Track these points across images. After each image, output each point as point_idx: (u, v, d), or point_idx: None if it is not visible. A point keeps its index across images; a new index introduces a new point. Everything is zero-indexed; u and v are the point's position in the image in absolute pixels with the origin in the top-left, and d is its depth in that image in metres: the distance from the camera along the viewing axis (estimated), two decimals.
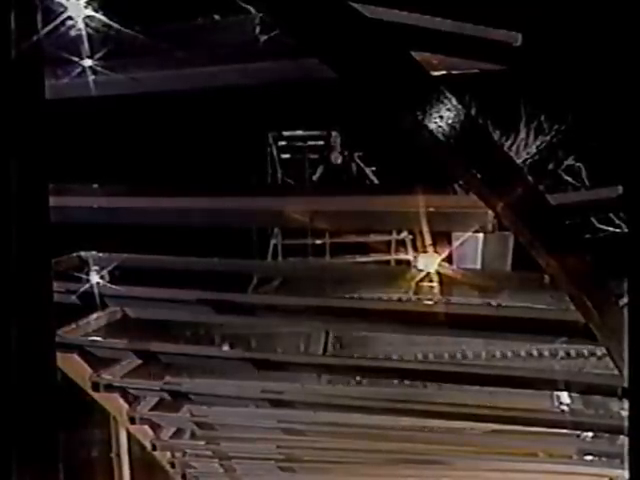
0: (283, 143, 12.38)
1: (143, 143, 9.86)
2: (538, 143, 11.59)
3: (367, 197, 2.94)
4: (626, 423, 1.78)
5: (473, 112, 8.61)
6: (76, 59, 1.86)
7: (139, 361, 4.24)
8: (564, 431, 4.57)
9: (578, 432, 4.77)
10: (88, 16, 1.77)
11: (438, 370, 4.23)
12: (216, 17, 1.90)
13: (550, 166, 11.47)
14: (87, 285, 3.33)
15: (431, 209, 2.50)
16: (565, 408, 5.06)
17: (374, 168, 12.26)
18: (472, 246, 10.46)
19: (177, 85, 2.16)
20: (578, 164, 11.26)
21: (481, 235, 9.47)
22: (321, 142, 12.45)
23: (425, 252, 8.91)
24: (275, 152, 12.26)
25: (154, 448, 5.68)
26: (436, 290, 4.70)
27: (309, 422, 4.90)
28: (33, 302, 1.25)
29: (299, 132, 12.39)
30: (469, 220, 2.59)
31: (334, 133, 12.33)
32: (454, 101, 1.53)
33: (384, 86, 1.49)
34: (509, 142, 11.38)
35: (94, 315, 3.84)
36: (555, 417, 4.43)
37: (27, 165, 1.23)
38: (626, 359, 1.77)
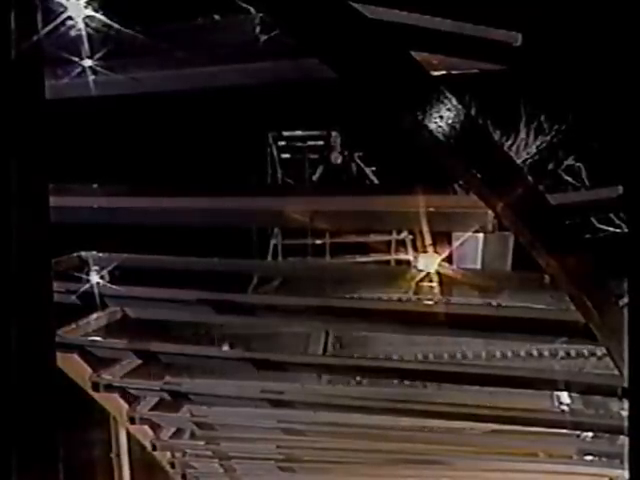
0: (283, 143, 12.39)
1: (143, 143, 9.86)
2: (538, 143, 11.60)
3: (367, 197, 2.94)
4: (626, 423, 1.78)
5: (473, 112, 8.61)
6: (76, 59, 1.86)
7: (139, 361, 4.24)
8: (564, 431, 4.57)
9: (578, 432, 4.77)
10: (88, 16, 1.77)
11: (438, 370, 4.22)
12: (216, 17, 1.90)
13: (550, 166, 11.47)
14: (87, 285, 3.33)
15: (431, 209, 2.50)
16: (565, 408, 5.06)
17: (374, 168, 12.26)
18: (472, 246, 10.47)
19: (177, 85, 2.16)
20: (578, 164, 11.27)
21: (481, 235, 9.47)
22: (321, 142, 12.45)
23: (425, 252, 8.91)
24: (275, 152, 12.26)
25: (154, 448, 5.68)
26: (436, 290, 4.70)
27: (309, 422, 4.90)
28: (33, 302, 1.25)
29: (299, 132, 12.40)
30: (469, 220, 2.59)
31: (334, 133, 12.34)
32: (454, 101, 1.53)
33: (384, 86, 1.49)
34: (509, 142, 11.38)
35: (94, 315, 3.84)
36: (555, 417, 4.43)
37: (27, 165, 1.23)
38: (626, 359, 1.77)
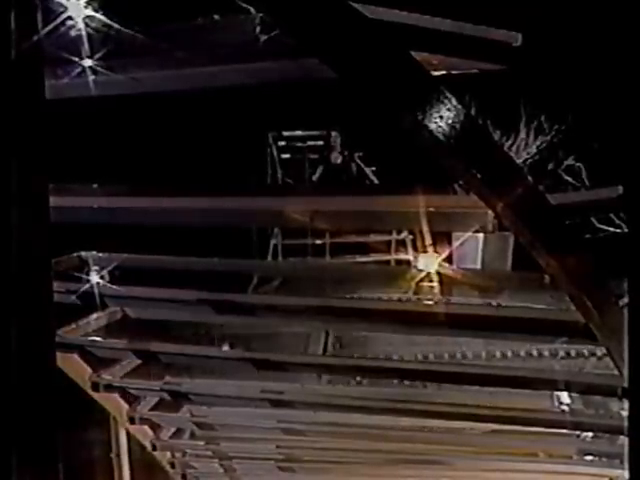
0: (283, 143, 12.39)
1: (143, 143, 9.86)
2: (538, 143, 11.60)
3: (367, 197, 2.94)
4: (626, 423, 1.78)
5: (473, 112, 8.61)
6: (76, 59, 1.86)
7: (139, 361, 4.24)
8: (564, 431, 4.57)
9: (578, 432, 4.77)
10: (88, 16, 1.77)
11: (438, 370, 4.22)
12: (216, 17, 1.90)
13: (550, 166, 11.48)
14: (87, 285, 3.33)
15: (431, 209, 2.50)
16: (565, 408, 5.06)
17: (374, 168, 12.26)
18: (472, 246, 10.47)
19: (177, 85, 2.16)
20: (578, 164, 11.27)
21: (481, 235, 9.47)
22: (321, 142, 12.46)
23: (425, 252, 8.92)
24: (275, 152, 12.26)
25: (154, 448, 5.68)
26: (436, 290, 4.70)
27: (309, 422, 4.90)
28: (33, 302, 1.25)
29: (299, 132, 12.40)
30: (469, 220, 2.59)
31: (334, 133, 12.34)
32: (454, 101, 1.53)
33: (384, 86, 1.49)
34: (509, 142, 11.38)
35: (94, 315, 3.84)
36: (555, 417, 4.43)
37: (27, 165, 1.23)
38: (626, 359, 1.77)
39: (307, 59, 1.74)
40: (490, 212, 2.25)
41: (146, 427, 5.37)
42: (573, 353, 8.48)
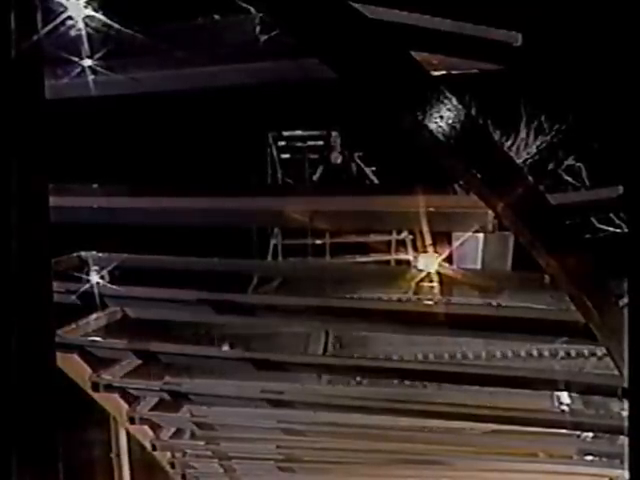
0: (283, 143, 12.40)
1: (143, 143, 9.86)
2: (538, 143, 11.60)
3: (367, 197, 2.94)
4: (626, 423, 1.78)
5: (473, 112, 8.61)
6: (76, 59, 1.86)
7: (139, 361, 4.24)
8: (564, 431, 4.57)
9: (578, 432, 4.77)
10: (88, 16, 1.77)
11: (438, 370, 4.22)
12: (216, 17, 1.90)
13: (550, 166, 11.48)
14: (87, 285, 3.33)
15: (431, 209, 2.50)
16: (565, 408, 5.06)
17: (374, 168, 12.27)
18: (472, 246, 10.47)
19: (177, 85, 2.16)
20: (578, 164, 11.28)
21: (481, 235, 9.48)
22: (321, 142, 12.46)
23: (425, 252, 8.92)
24: (275, 152, 12.27)
25: (154, 448, 5.68)
26: (436, 290, 4.70)
27: (309, 422, 4.90)
28: (33, 302, 1.25)
29: (299, 132, 12.41)
30: (469, 220, 2.59)
31: (334, 133, 12.35)
32: (454, 101, 1.52)
33: (384, 86, 1.49)
34: (509, 142, 11.39)
35: (94, 315, 3.84)
36: (555, 417, 4.43)
37: (27, 165, 1.23)
38: (626, 359, 1.77)
39: (307, 59, 1.74)
40: (490, 212, 2.25)
41: (146, 427, 5.37)
42: (573, 353, 8.49)
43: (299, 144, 12.43)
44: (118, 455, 7.38)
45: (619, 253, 1.70)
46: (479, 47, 1.90)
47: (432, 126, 1.51)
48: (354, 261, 10.86)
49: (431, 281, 4.28)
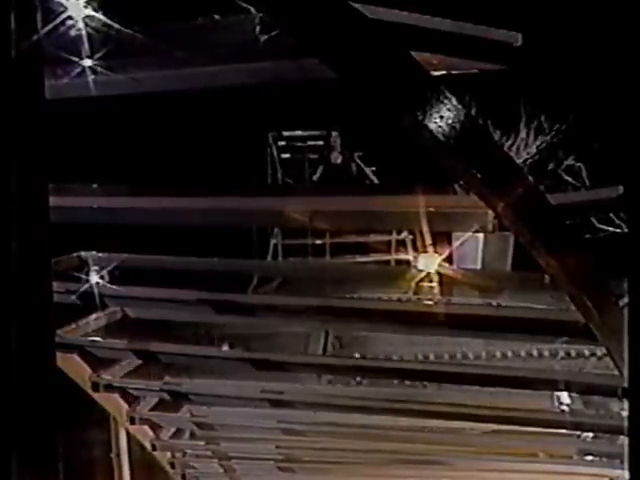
0: (283, 143, 12.39)
1: (143, 143, 9.86)
2: (538, 143, 11.60)
3: (367, 197, 2.94)
4: (626, 423, 1.78)
5: (473, 112, 8.61)
6: (76, 59, 1.86)
7: (139, 361, 4.24)
8: (564, 431, 4.57)
9: (578, 432, 4.77)
10: (88, 16, 1.77)
11: (438, 370, 4.22)
12: (216, 17, 1.90)
13: (550, 166, 11.48)
14: (87, 285, 3.33)
15: (431, 209, 2.50)
16: (565, 408, 5.06)
17: (374, 168, 12.26)
18: (472, 246, 10.47)
19: (177, 85, 2.16)
20: (578, 164, 11.27)
21: (481, 235, 9.47)
22: (321, 142, 12.46)
23: (425, 252, 8.92)
24: (275, 152, 12.27)
25: (154, 448, 5.68)
26: (436, 290, 4.70)
27: (309, 422, 4.90)
28: (33, 302, 1.25)
29: (299, 132, 12.40)
30: (469, 220, 2.59)
31: (334, 133, 12.34)
32: (454, 101, 1.52)
33: (384, 86, 1.49)
34: (509, 142, 11.39)
35: (94, 315, 3.84)
36: (555, 417, 4.43)
37: (27, 165, 1.23)
38: (626, 359, 1.77)
39: (307, 59, 1.74)
40: (490, 212, 2.25)
41: (146, 427, 5.37)
42: (573, 353, 8.48)
43: (299, 144, 12.42)
44: (118, 455, 7.38)
45: (619, 253, 1.70)
46: (479, 47, 1.90)
47: (432, 126, 1.51)
48: (354, 261, 10.85)
49: (431, 281, 4.28)
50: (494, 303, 4.60)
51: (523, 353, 8.44)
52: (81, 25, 1.77)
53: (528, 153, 11.54)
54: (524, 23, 2.26)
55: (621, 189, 2.47)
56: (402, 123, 1.56)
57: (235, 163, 10.19)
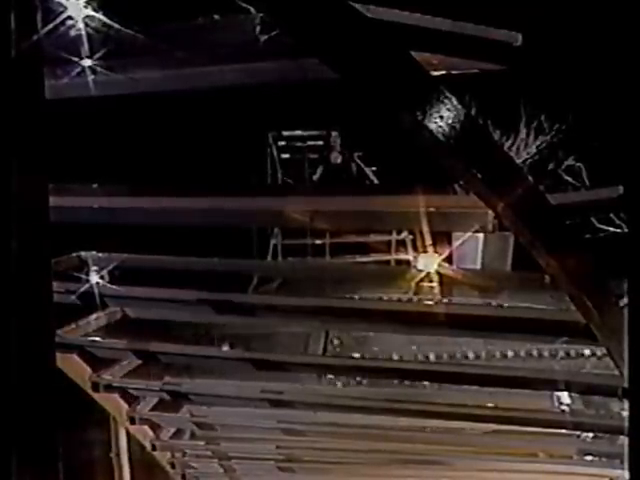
0: (283, 143, 12.39)
1: (143, 143, 9.86)
2: (538, 143, 11.60)
3: (367, 197, 2.94)
4: (626, 423, 1.78)
5: (473, 112, 8.61)
6: (76, 59, 1.86)
7: (139, 361, 4.24)
8: (564, 431, 4.57)
9: (578, 432, 4.77)
10: (88, 16, 1.77)
11: (438, 370, 4.23)
12: (216, 17, 1.90)
13: (550, 166, 11.48)
14: (87, 285, 3.33)
15: (431, 209, 2.50)
16: (565, 408, 5.06)
17: (374, 168, 12.26)
18: (472, 246, 10.46)
19: (177, 85, 2.16)
20: (578, 164, 11.27)
21: (481, 235, 9.47)
22: (321, 142, 12.45)
23: (425, 252, 8.91)
24: (275, 152, 12.26)
25: (154, 448, 5.68)
26: (436, 290, 4.71)
27: (309, 422, 4.90)
28: (33, 302, 1.25)
29: (299, 132, 12.40)
30: (469, 220, 2.59)
31: (334, 133, 12.34)
32: (454, 101, 1.52)
33: (384, 86, 1.49)
34: (509, 142, 11.38)
35: (94, 315, 3.84)
36: (555, 417, 4.43)
37: (27, 165, 1.23)
38: (626, 359, 1.77)
39: (307, 59, 1.74)
40: (490, 212, 2.25)
41: (146, 427, 5.37)
42: (573, 353, 8.48)
43: (299, 144, 12.42)
44: (118, 455, 7.38)
45: (619, 253, 1.70)
46: (479, 47, 1.90)
47: (432, 126, 1.51)
48: (354, 261, 10.85)
49: (431, 281, 4.28)
50: (494, 303, 4.61)
51: (523, 353, 8.44)
52: (81, 25, 1.77)
53: (528, 153, 11.54)
54: (524, 23, 2.26)
55: (621, 189, 2.47)
56: (402, 123, 1.56)
57: (235, 163, 10.19)
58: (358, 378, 5.88)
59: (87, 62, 1.87)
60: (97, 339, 3.94)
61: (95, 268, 3.41)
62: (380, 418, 4.49)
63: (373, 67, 1.45)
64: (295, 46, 1.57)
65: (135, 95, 2.12)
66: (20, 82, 1.22)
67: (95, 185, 2.74)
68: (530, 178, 2.08)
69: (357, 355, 7.92)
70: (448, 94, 1.52)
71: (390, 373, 4.09)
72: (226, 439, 5.65)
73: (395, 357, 7.95)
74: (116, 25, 1.81)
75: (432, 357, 8.36)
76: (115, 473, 7.51)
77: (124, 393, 4.79)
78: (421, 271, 4.31)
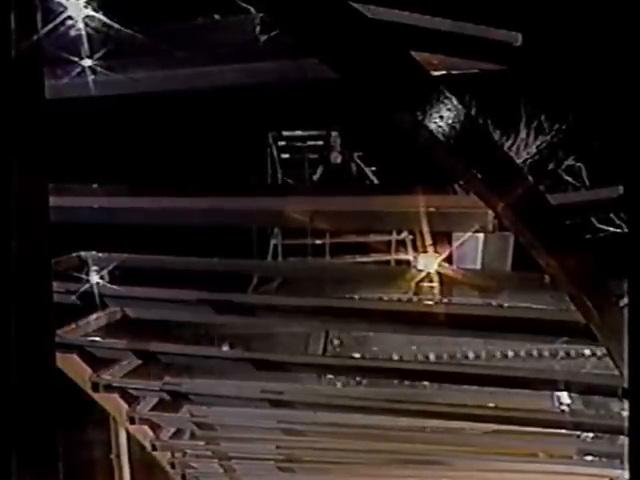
0: (283, 143, 12.39)
1: (143, 143, 9.86)
2: (538, 143, 11.60)
3: (367, 197, 2.94)
4: (626, 423, 1.78)
5: (473, 112, 8.61)
6: (76, 59, 1.86)
7: (139, 361, 4.24)
8: (564, 431, 4.57)
9: (578, 432, 4.77)
10: (88, 16, 1.77)
11: (438, 370, 4.23)
12: (216, 17, 1.90)
13: (550, 166, 11.47)
14: (87, 285, 3.33)
15: (431, 209, 2.50)
16: (565, 408, 5.06)
17: (374, 168, 12.26)
18: (472, 246, 10.46)
19: (177, 85, 2.16)
20: (578, 164, 11.27)
21: (481, 235, 9.47)
22: (321, 142, 12.45)
23: (425, 252, 8.92)
24: (275, 152, 12.26)
25: (154, 448, 5.68)
26: (436, 290, 4.71)
27: (309, 422, 4.90)
28: (33, 302, 1.25)
29: (299, 132, 12.40)
30: (469, 220, 2.59)
31: (334, 133, 12.34)
32: (454, 101, 1.52)
33: (384, 86, 1.49)
34: (509, 142, 11.38)
35: (94, 315, 3.84)
36: (555, 417, 4.43)
37: (27, 165, 1.23)
38: (626, 359, 1.77)
39: (307, 59, 1.74)
40: (490, 212, 2.25)
41: (146, 427, 5.37)
42: (573, 353, 8.48)
43: (299, 144, 12.42)
44: (118, 455, 7.37)
45: (619, 253, 1.70)
46: (479, 47, 1.90)
47: (432, 126, 1.51)
48: (354, 261, 10.85)
49: (431, 281, 4.28)
50: (494, 303, 4.60)
51: (523, 353, 8.44)
52: (81, 25, 1.77)
53: (528, 153, 11.54)
54: (524, 23, 2.26)
55: (621, 189, 2.47)
56: (402, 123, 1.56)
57: (235, 163, 10.19)
58: (358, 378, 5.89)
59: (87, 62, 1.87)
60: (97, 339, 3.94)
61: (95, 268, 3.41)
62: (380, 418, 4.49)
63: (373, 67, 1.45)
64: (295, 46, 1.57)
65: (135, 95, 2.12)
66: (20, 82, 1.22)
67: (95, 185, 2.74)
68: (530, 178, 2.07)
69: (357, 355, 7.93)
70: (448, 94, 1.52)
71: (390, 373, 4.09)
72: (226, 439, 5.65)
73: (395, 357, 7.95)
74: (116, 25, 1.81)
75: (432, 357, 8.36)
76: (115, 473, 7.50)
77: (124, 393, 4.78)
78: (421, 271, 4.31)
